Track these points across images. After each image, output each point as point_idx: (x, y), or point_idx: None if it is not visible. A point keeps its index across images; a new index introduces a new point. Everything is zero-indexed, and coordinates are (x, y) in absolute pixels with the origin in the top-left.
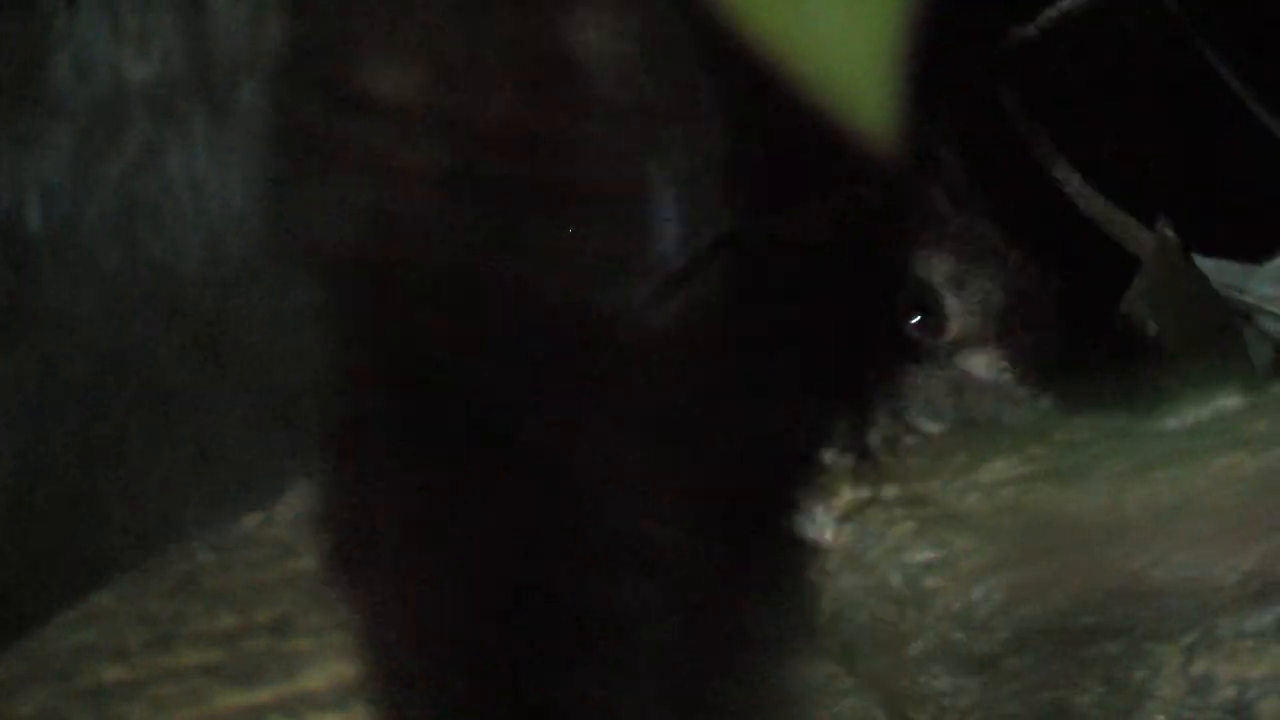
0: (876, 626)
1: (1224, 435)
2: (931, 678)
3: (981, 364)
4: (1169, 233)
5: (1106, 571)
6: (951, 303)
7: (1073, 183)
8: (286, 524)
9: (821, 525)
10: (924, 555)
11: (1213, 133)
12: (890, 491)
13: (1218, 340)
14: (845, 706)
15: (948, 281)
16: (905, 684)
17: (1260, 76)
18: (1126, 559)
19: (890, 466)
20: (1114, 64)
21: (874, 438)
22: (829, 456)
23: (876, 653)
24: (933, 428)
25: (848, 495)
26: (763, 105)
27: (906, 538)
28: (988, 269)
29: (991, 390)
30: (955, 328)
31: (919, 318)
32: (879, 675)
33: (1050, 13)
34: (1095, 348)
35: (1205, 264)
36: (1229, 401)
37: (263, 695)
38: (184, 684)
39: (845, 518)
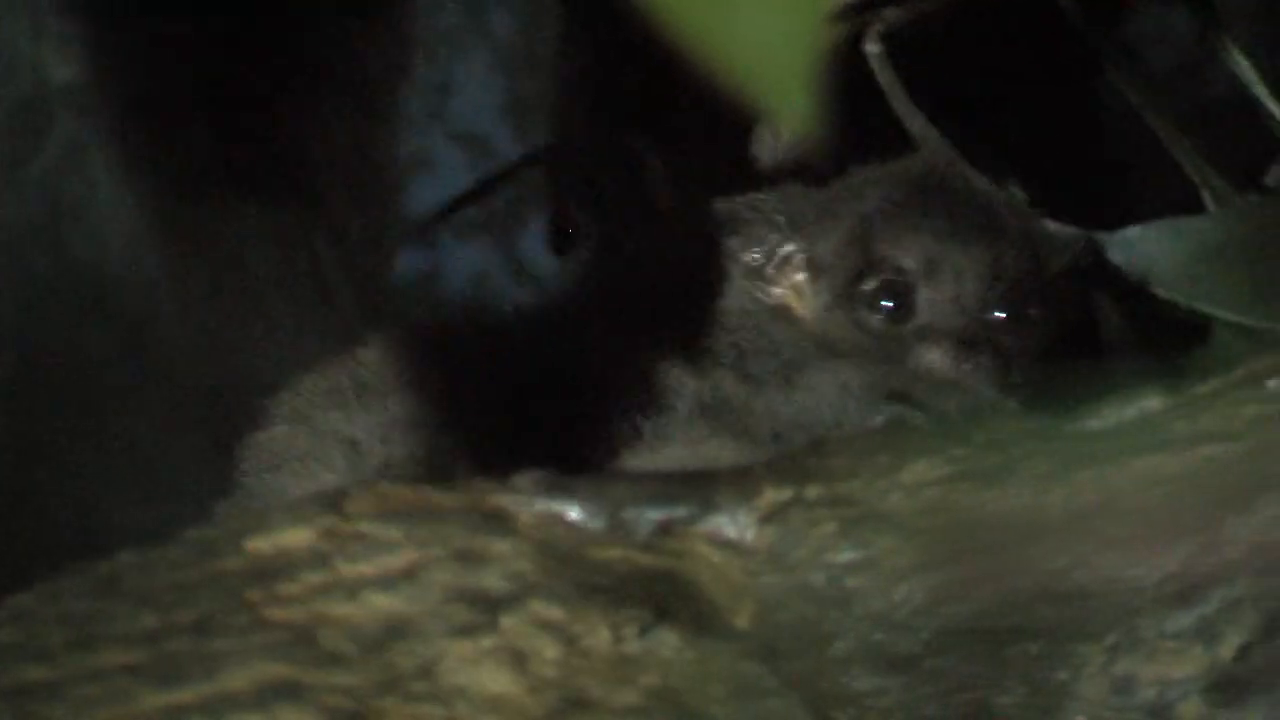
0: (799, 627)
1: (1146, 436)
2: (853, 678)
3: (939, 357)
4: (1017, 193)
5: (1028, 572)
6: (923, 292)
7: (929, 139)
8: (209, 523)
9: (744, 526)
10: (846, 556)
11: (1078, 108)
12: (813, 492)
13: None
14: (768, 707)
15: (920, 268)
16: (827, 684)
17: (1130, 52)
18: (1048, 560)
19: (813, 467)
20: (990, 40)
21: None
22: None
23: (799, 653)
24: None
25: (770, 496)
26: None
27: (829, 538)
28: (963, 256)
29: (949, 385)
30: (924, 316)
31: (890, 304)
32: (802, 676)
33: None
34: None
35: (1055, 229)
36: (1151, 402)
37: (184, 696)
38: (106, 684)
39: (767, 518)
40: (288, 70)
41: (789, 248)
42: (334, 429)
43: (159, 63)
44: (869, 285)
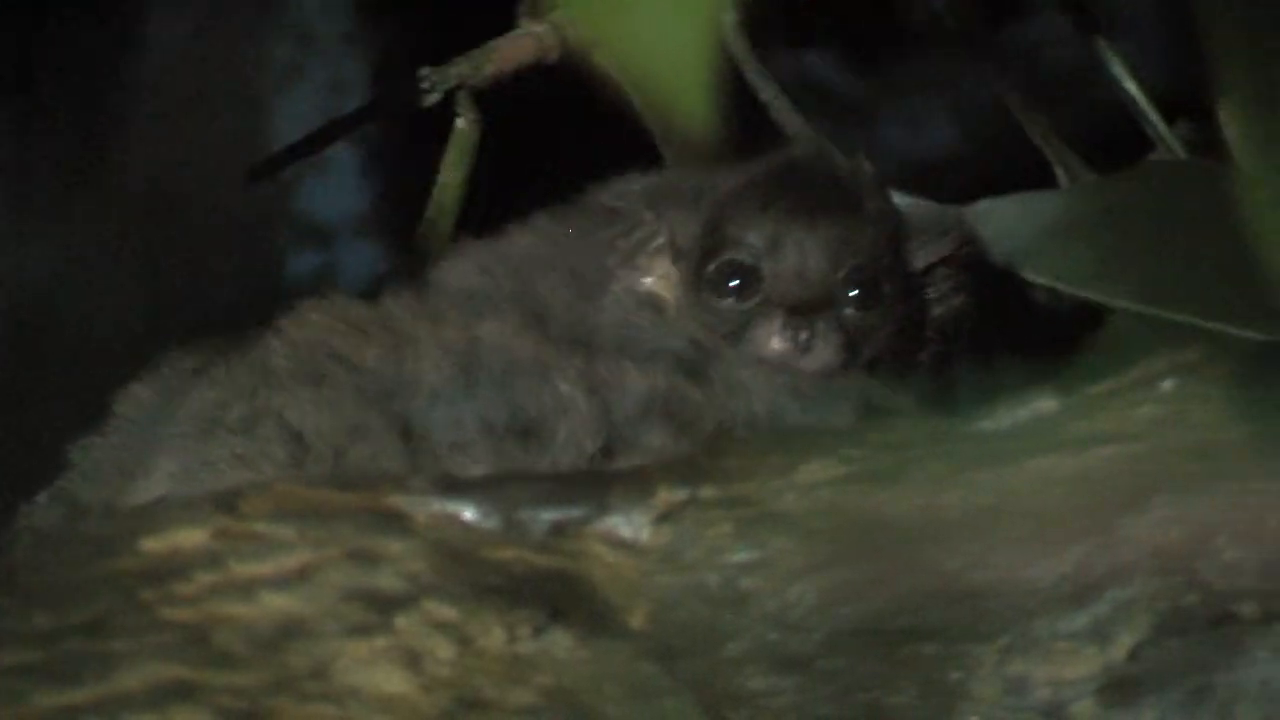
0: (694, 627)
1: (1041, 437)
2: (747, 678)
3: (773, 332)
4: (865, 165)
5: (923, 573)
6: (766, 267)
7: (794, 125)
8: (104, 522)
9: (638, 526)
10: (741, 556)
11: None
12: (707, 492)
13: None
14: (662, 707)
15: (764, 246)
16: (722, 684)
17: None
18: (943, 560)
19: (708, 467)
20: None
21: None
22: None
23: (693, 653)
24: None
25: (664, 495)
26: None
27: (724, 538)
28: (809, 233)
29: (785, 366)
30: (766, 294)
31: (735, 283)
32: (696, 676)
33: None
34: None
35: (904, 202)
36: (1046, 403)
37: (78, 696)
38: None
39: (662, 518)
40: (159, 70)
41: (656, 236)
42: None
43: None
44: (714, 266)
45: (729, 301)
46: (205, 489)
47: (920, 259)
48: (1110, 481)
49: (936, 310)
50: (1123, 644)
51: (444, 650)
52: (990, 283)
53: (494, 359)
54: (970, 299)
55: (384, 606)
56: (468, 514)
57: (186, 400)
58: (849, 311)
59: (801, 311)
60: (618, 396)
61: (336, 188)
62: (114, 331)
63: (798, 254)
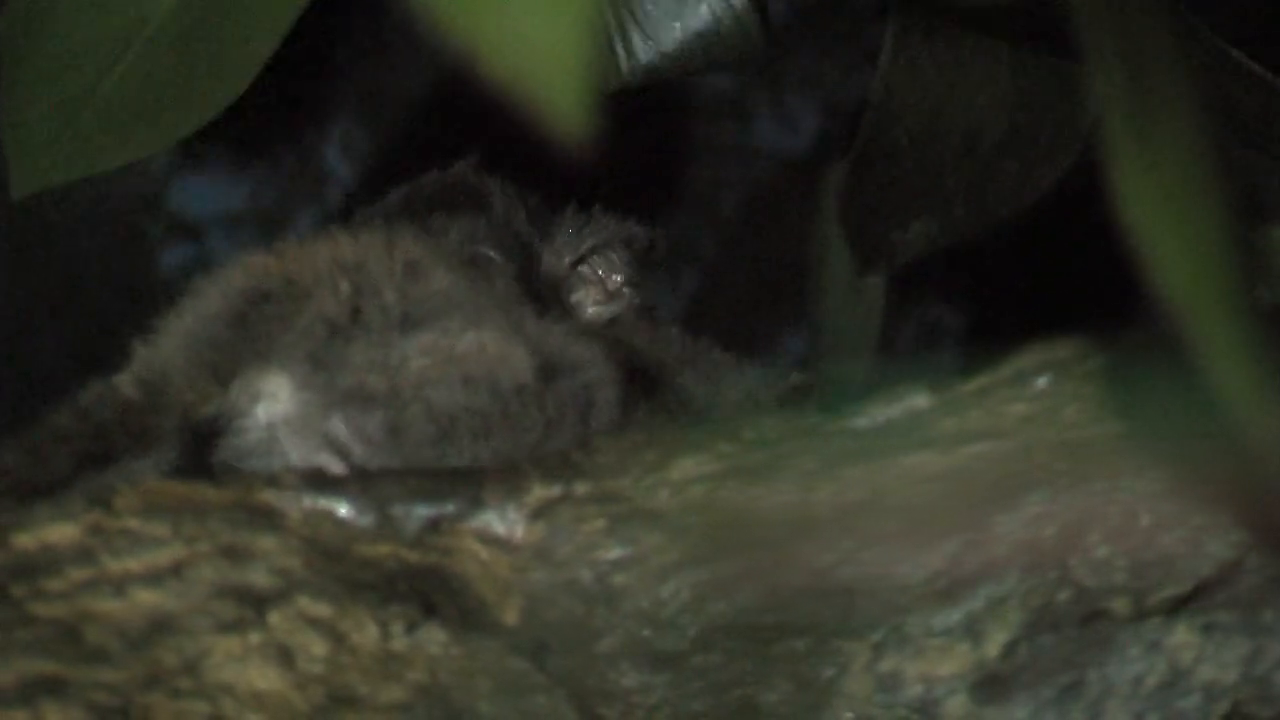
0: (566, 623)
1: (913, 434)
2: (620, 674)
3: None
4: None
5: (795, 569)
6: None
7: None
8: None
9: (512, 522)
10: (614, 552)
11: None
12: (581, 488)
13: None
14: (535, 703)
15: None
16: (594, 681)
17: None
18: (815, 556)
19: (581, 463)
20: None
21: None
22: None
23: (566, 650)
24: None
25: (538, 492)
26: None
27: (597, 535)
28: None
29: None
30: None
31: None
32: (568, 672)
33: None
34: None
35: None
36: (918, 400)
37: None
38: None
39: (536, 514)
40: None
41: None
42: None
43: None
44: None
45: None
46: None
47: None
48: (982, 478)
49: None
50: (995, 640)
51: (317, 647)
52: None
53: None
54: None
55: (256, 603)
56: (341, 510)
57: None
58: None
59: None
60: None
61: (209, 181)
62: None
63: None
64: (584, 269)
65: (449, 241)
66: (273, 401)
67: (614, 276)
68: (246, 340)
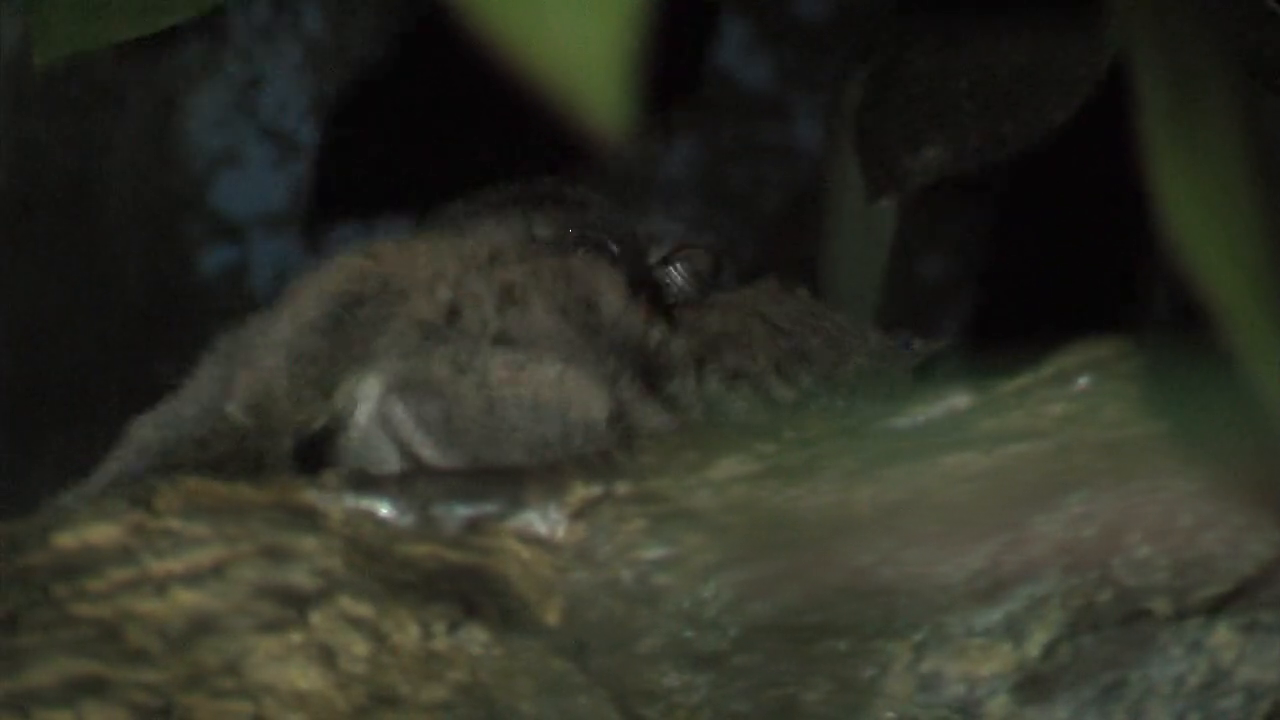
0: (607, 623)
1: (953, 433)
2: (661, 675)
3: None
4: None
5: (835, 569)
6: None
7: None
8: (16, 519)
9: (553, 522)
10: (655, 552)
11: None
12: (622, 488)
13: None
14: (576, 703)
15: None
16: (635, 681)
17: None
18: (855, 556)
19: (622, 463)
20: None
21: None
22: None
23: (607, 650)
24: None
25: (579, 492)
26: None
27: (638, 535)
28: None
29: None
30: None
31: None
32: (610, 672)
33: None
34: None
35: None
36: (958, 400)
37: None
38: None
39: (577, 514)
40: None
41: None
42: None
43: None
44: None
45: None
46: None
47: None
48: (1022, 478)
49: None
50: (1036, 640)
51: (358, 646)
52: None
53: None
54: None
55: (298, 603)
56: (382, 510)
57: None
58: None
59: None
60: None
61: (249, 182)
62: (26, 323)
63: None
64: (670, 269)
65: (558, 230)
66: (367, 404)
67: (693, 277)
68: (343, 347)
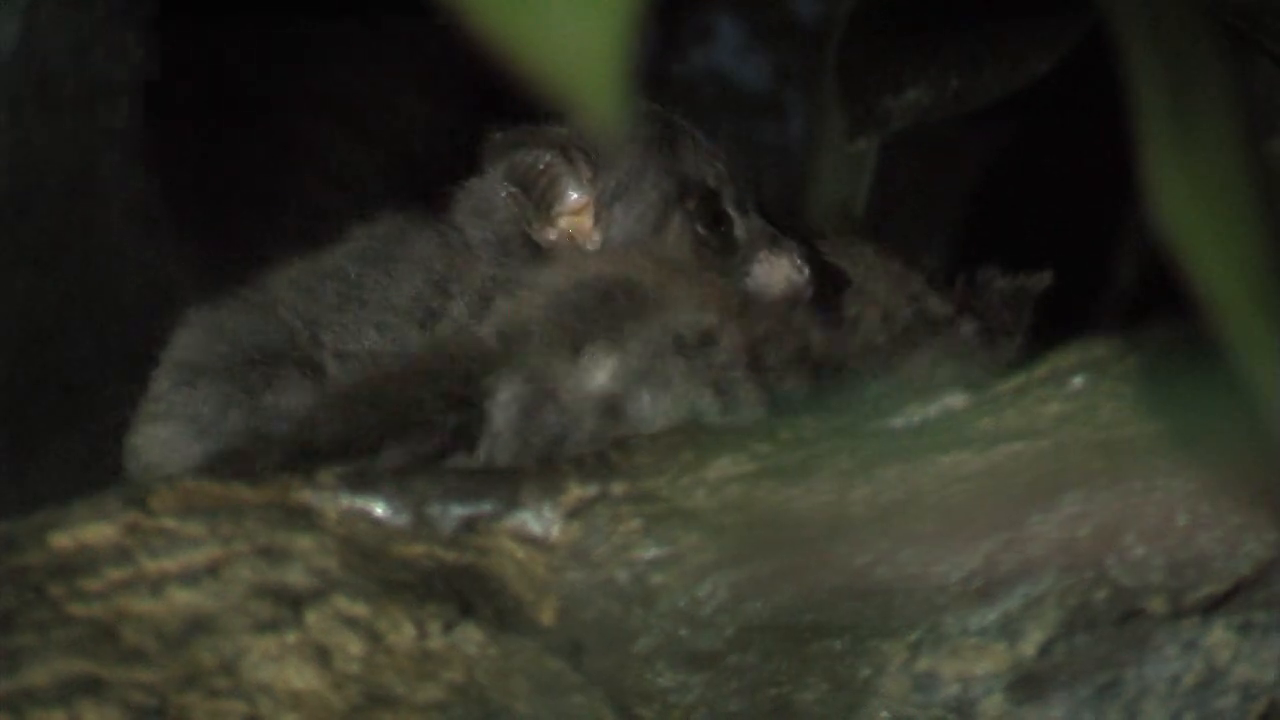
0: (603, 623)
1: (949, 434)
2: (657, 674)
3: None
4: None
5: (831, 569)
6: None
7: None
8: (12, 519)
9: (548, 522)
10: (651, 552)
11: None
12: (617, 488)
13: None
14: (571, 703)
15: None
16: (631, 680)
17: None
18: (851, 556)
19: (618, 463)
20: None
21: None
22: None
23: (603, 649)
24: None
25: (575, 492)
26: None
27: (633, 534)
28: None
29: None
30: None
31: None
32: (605, 672)
33: None
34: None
35: None
36: (954, 400)
37: None
38: None
39: (572, 514)
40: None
41: (572, 181)
42: None
43: None
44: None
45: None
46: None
47: None
48: (1018, 478)
49: None
50: (1032, 640)
51: (354, 646)
52: None
53: None
54: None
55: (293, 602)
56: (378, 510)
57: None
58: None
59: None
60: None
61: None
62: (24, 323)
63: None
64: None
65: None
66: (602, 374)
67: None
68: (607, 318)
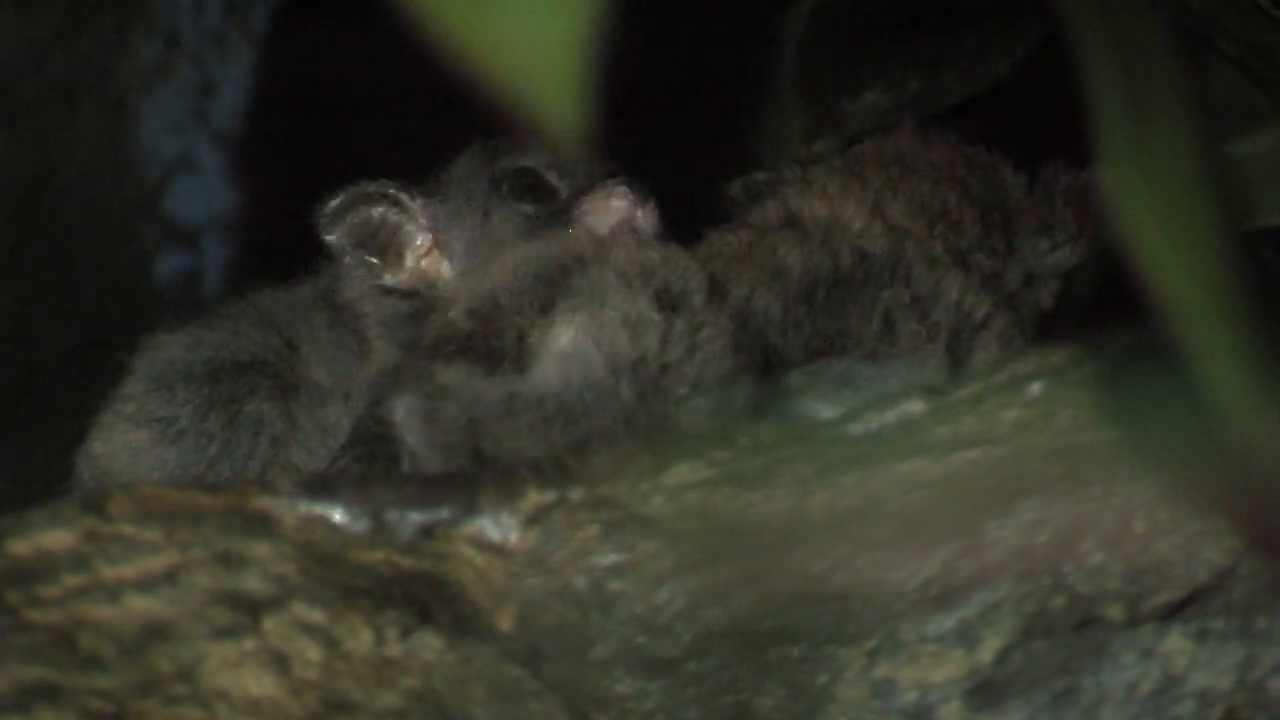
0: (561, 630)
1: (907, 440)
2: (615, 681)
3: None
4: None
5: (789, 575)
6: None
7: None
8: None
9: (506, 528)
10: (609, 559)
11: None
12: (575, 494)
13: None
14: (529, 710)
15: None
16: (589, 687)
17: None
18: (809, 563)
19: (576, 468)
20: None
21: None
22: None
23: (561, 656)
24: None
25: (533, 498)
26: None
27: (592, 541)
28: None
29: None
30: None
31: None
32: (563, 678)
33: None
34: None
35: None
36: (912, 407)
37: None
38: None
39: (530, 520)
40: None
41: (411, 226)
42: None
43: None
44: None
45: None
46: None
47: None
48: (976, 485)
49: None
50: (989, 647)
51: (312, 652)
52: None
53: None
54: None
55: (251, 609)
56: (336, 516)
57: None
58: None
59: None
60: None
61: (204, 189)
62: None
63: None
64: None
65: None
66: (570, 331)
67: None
68: (564, 277)
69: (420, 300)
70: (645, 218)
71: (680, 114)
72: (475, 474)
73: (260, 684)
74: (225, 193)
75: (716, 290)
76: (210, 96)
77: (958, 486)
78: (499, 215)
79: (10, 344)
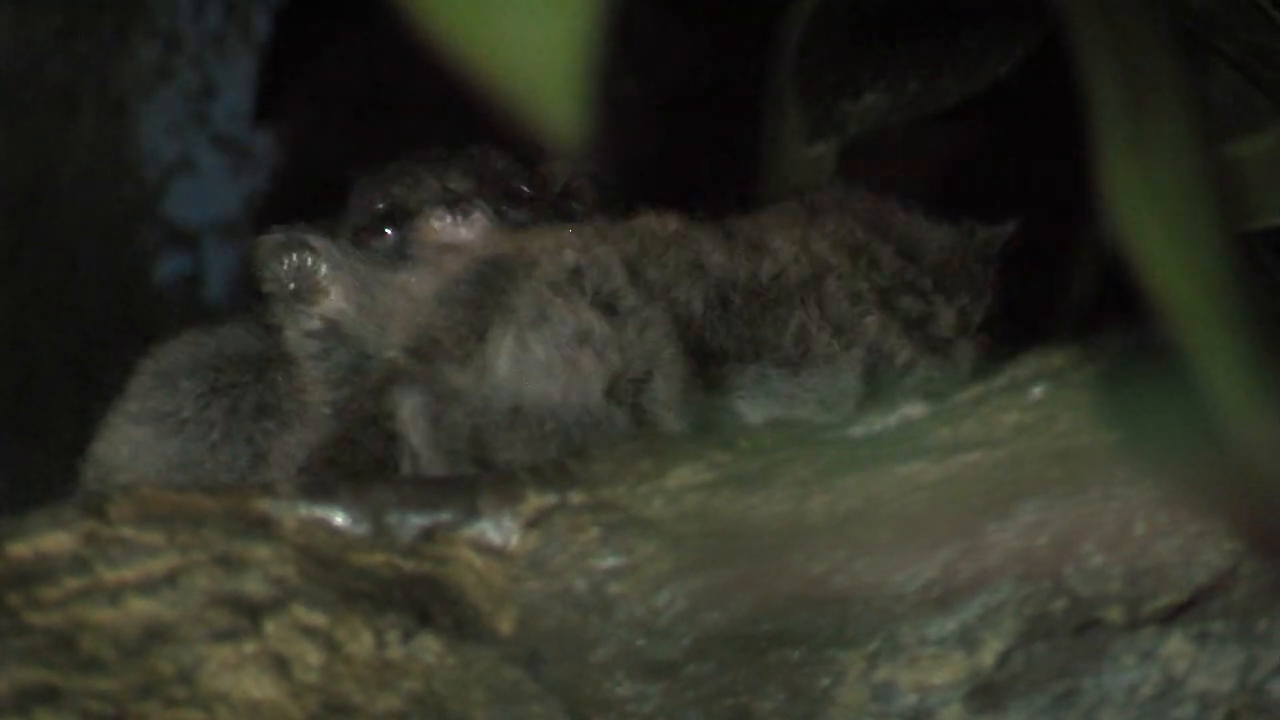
0: (561, 632)
1: (907, 443)
2: (615, 684)
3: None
4: None
5: (789, 578)
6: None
7: None
8: None
9: (507, 531)
10: (609, 561)
11: None
12: (576, 497)
13: None
14: (529, 713)
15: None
16: (589, 690)
17: None
18: (809, 565)
19: (576, 471)
20: None
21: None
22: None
23: (561, 659)
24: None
25: (533, 501)
26: None
27: (591, 544)
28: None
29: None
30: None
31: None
32: (563, 681)
33: None
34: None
35: None
36: (912, 409)
37: None
38: None
39: (531, 523)
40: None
41: (324, 267)
42: None
43: None
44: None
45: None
46: None
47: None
48: (976, 487)
49: None
50: (990, 649)
51: (312, 656)
52: None
53: None
54: None
55: (251, 612)
56: (336, 519)
57: None
58: None
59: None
60: None
61: (203, 191)
62: None
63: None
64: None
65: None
66: (510, 346)
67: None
68: (492, 295)
69: (332, 339)
70: (472, 225)
71: (680, 114)
72: (475, 477)
73: (260, 687)
74: (225, 195)
75: (636, 273)
76: (210, 98)
77: (958, 489)
78: (381, 250)
79: (10, 345)
